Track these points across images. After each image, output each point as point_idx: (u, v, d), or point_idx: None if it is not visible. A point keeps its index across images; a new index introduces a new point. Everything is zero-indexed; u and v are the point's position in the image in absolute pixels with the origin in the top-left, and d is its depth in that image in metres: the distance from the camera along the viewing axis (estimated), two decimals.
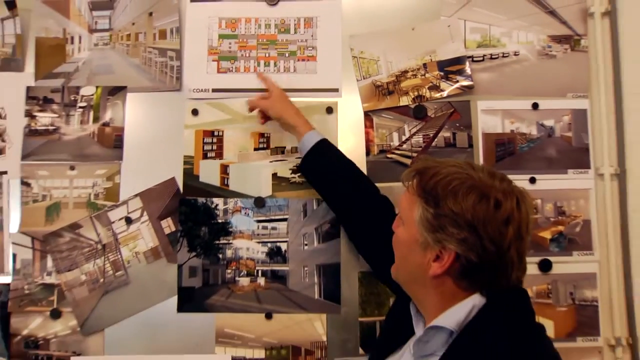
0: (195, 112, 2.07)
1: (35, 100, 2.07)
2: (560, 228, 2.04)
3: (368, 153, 2.06)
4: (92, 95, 2.08)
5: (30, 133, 2.06)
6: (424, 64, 2.09)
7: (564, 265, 2.02)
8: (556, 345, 1.27)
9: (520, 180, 1.86)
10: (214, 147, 2.07)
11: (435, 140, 2.07)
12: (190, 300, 2.00)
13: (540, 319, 1.94)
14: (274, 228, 2.04)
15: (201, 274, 2.01)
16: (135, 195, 2.03)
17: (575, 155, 2.07)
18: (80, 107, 2.07)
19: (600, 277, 2.02)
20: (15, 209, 2.04)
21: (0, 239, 2.02)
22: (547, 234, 2.04)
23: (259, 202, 2.03)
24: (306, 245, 2.03)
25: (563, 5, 2.11)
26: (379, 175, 2.01)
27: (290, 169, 2.04)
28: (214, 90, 2.08)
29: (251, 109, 2.01)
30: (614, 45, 2.09)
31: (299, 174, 2.03)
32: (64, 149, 2.05)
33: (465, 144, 2.07)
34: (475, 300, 1.27)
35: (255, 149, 2.08)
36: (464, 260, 1.24)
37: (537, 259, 2.02)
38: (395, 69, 2.10)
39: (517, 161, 2.07)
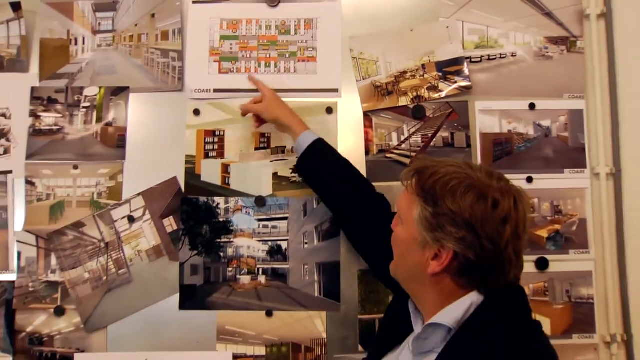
0: (196, 112, 2.08)
1: (40, 100, 2.08)
2: (557, 227, 2.05)
3: (367, 153, 2.07)
4: (96, 95, 2.09)
5: (35, 133, 2.07)
6: (423, 65, 2.10)
7: (561, 263, 2.03)
8: (553, 342, 1.27)
9: (517, 180, 1.86)
10: (216, 146, 2.08)
11: (434, 140, 2.08)
12: (192, 298, 2.00)
13: (537, 317, 1.95)
14: (274, 227, 2.05)
15: (203, 272, 2.02)
16: (138, 195, 2.04)
17: (571, 155, 2.08)
18: (83, 108, 2.08)
19: (596, 275, 2.03)
20: (20, 208, 2.05)
21: (5, 237, 2.03)
22: (544, 233, 2.05)
23: (260, 201, 2.04)
24: (306, 243, 2.03)
25: (559, 7, 2.12)
26: (378, 175, 2.03)
27: (290, 169, 2.05)
28: (215, 91, 2.09)
29: (244, 114, 2.01)
30: (610, 46, 2.10)
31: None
32: (68, 148, 2.06)
33: (463, 143, 2.07)
34: (473, 298, 1.28)
35: (256, 149, 2.08)
36: (462, 258, 1.24)
37: (534, 257, 2.02)
38: (395, 69, 2.10)
39: (514, 161, 2.08)
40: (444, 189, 1.26)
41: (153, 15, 2.13)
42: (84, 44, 2.13)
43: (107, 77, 2.11)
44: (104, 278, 2.01)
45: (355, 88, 2.10)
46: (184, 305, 2.00)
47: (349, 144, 2.07)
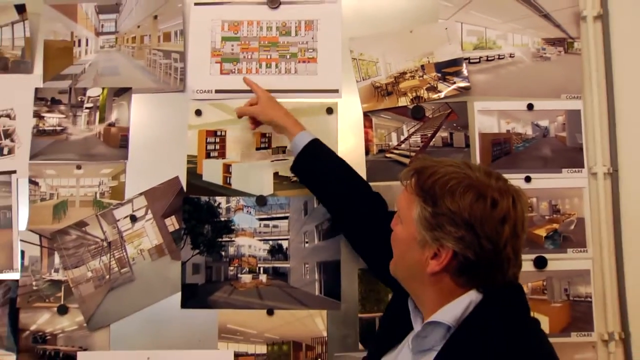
0: (198, 112, 2.09)
1: (44, 101, 2.09)
2: (555, 226, 2.06)
3: (367, 153, 2.08)
4: (99, 96, 2.10)
5: (39, 133, 2.07)
6: (422, 66, 2.11)
7: (559, 262, 2.04)
8: (551, 340, 1.28)
9: (515, 179, 1.83)
10: (217, 146, 2.08)
11: (433, 140, 2.08)
12: (194, 296, 2.01)
13: (535, 315, 1.97)
14: (275, 226, 2.05)
15: (204, 271, 2.02)
16: (140, 194, 2.05)
17: (569, 155, 2.09)
18: (86, 108, 2.09)
19: (593, 273, 2.04)
20: (24, 207, 2.05)
21: (9, 237, 2.04)
22: (542, 232, 2.06)
23: (261, 201, 2.05)
24: (307, 242, 2.04)
25: (557, 9, 2.12)
26: (378, 175, 2.04)
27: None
28: (217, 91, 2.10)
29: (240, 116, 2.00)
30: (606, 47, 2.11)
31: None
32: (71, 148, 2.07)
33: (462, 143, 2.08)
34: (472, 296, 1.28)
35: (257, 149, 2.09)
36: (462, 257, 1.24)
37: (533, 256, 2.03)
38: (394, 70, 2.11)
39: (512, 160, 2.09)
40: (443, 189, 1.27)
41: (155, 17, 2.13)
42: (87, 45, 2.13)
43: (109, 78, 2.11)
44: (107, 277, 2.02)
45: (355, 89, 2.11)
46: (185, 303, 2.01)
47: (349, 144, 2.08)
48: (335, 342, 2.00)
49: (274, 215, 2.06)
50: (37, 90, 2.10)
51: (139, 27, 2.14)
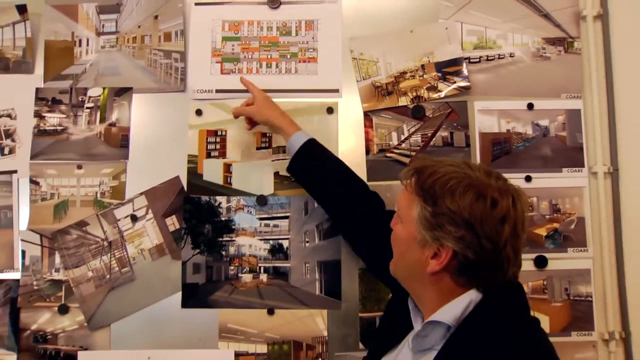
0: (199, 112, 2.09)
1: (44, 101, 2.09)
2: (555, 225, 2.06)
3: (368, 152, 2.08)
4: (99, 96, 2.10)
5: (39, 133, 2.08)
6: (422, 66, 2.11)
7: (559, 261, 2.04)
8: (551, 339, 1.28)
9: (516, 179, 1.85)
10: (218, 146, 2.08)
11: (433, 139, 2.08)
12: (194, 296, 2.01)
13: (535, 314, 1.95)
14: (275, 225, 2.05)
15: (205, 271, 2.03)
16: (141, 194, 2.05)
17: (569, 154, 2.09)
18: (87, 108, 2.09)
19: (594, 273, 2.04)
20: (25, 207, 2.05)
21: (10, 236, 2.04)
22: (542, 231, 2.06)
23: (261, 200, 2.05)
24: (307, 242, 2.04)
25: (557, 9, 2.13)
26: (378, 174, 2.04)
27: None
28: (217, 91, 2.10)
29: (236, 116, 2.00)
30: (606, 47, 2.12)
31: None
32: (72, 148, 2.07)
33: (462, 143, 2.08)
34: (472, 296, 1.28)
35: (258, 148, 2.09)
36: (462, 257, 1.25)
37: (533, 255, 2.03)
38: (394, 70, 2.11)
39: (513, 160, 2.09)
40: (443, 189, 1.27)
41: (156, 17, 2.14)
42: (88, 45, 2.13)
43: (110, 78, 2.12)
44: (107, 276, 2.02)
45: (356, 88, 2.11)
46: (186, 303, 2.01)
47: (350, 143, 2.08)
48: (335, 341, 2.00)
49: (275, 215, 2.06)
50: (38, 90, 2.10)
51: (139, 27, 2.14)
